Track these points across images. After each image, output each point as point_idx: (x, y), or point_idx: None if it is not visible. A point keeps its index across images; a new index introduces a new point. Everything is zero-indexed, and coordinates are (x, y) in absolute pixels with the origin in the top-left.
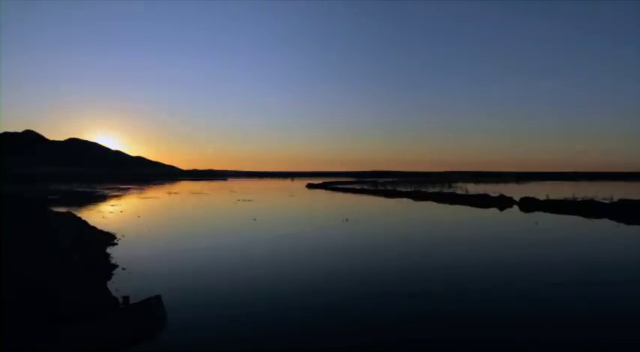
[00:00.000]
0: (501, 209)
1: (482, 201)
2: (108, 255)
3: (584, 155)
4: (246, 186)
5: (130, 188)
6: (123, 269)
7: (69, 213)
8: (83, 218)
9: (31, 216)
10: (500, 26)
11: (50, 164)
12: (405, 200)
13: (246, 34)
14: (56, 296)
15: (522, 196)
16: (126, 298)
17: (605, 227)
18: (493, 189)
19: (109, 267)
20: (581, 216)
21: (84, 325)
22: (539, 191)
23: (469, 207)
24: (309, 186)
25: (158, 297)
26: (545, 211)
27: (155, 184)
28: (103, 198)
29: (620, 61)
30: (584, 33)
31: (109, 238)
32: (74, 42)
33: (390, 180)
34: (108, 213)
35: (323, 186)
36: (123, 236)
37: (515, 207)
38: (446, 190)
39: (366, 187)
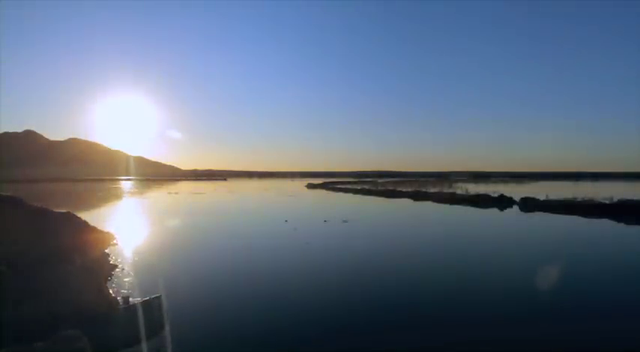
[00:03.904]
0: (501, 209)
1: (482, 201)
2: (108, 255)
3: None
4: (246, 186)
5: (129, 188)
6: (123, 269)
7: (69, 213)
8: (83, 218)
9: (32, 217)
10: (498, 26)
11: (50, 164)
12: (405, 200)
13: (244, 34)
14: (56, 297)
15: (522, 196)
16: (126, 298)
17: (605, 227)
18: (493, 189)
19: (108, 267)
20: (581, 216)
21: (84, 325)
22: (540, 191)
23: (469, 207)
24: (310, 186)
25: (158, 298)
26: (545, 211)
27: (155, 184)
28: (103, 198)
29: (620, 60)
30: (584, 32)
31: (108, 238)
32: (74, 42)
33: (390, 180)
34: (108, 213)
35: (323, 186)
36: (123, 236)
37: (516, 207)
38: (446, 190)
39: (366, 187)
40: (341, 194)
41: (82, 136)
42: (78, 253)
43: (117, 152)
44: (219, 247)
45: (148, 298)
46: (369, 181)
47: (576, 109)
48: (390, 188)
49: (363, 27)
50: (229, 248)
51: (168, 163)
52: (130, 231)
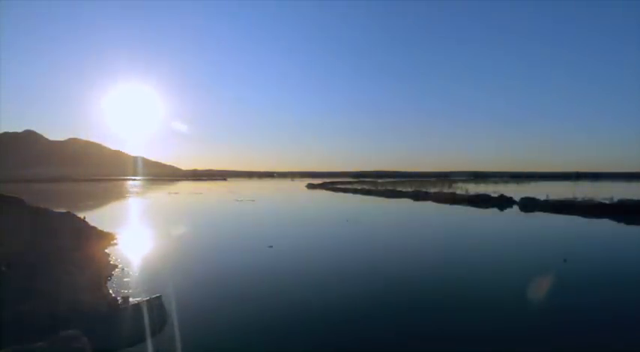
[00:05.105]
0: (501, 209)
1: (482, 201)
2: (108, 255)
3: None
4: (246, 186)
5: (130, 188)
6: (122, 269)
7: (69, 213)
8: (83, 218)
9: (32, 217)
10: (497, 26)
11: (50, 164)
12: (405, 200)
13: (243, 33)
14: (56, 297)
15: (522, 196)
16: (126, 298)
17: (605, 227)
18: (493, 189)
19: (108, 267)
20: (581, 215)
21: (84, 325)
22: (540, 191)
23: (469, 207)
24: (310, 186)
25: (158, 298)
26: (545, 211)
27: (155, 184)
28: (103, 198)
29: (619, 60)
30: (584, 31)
31: (109, 238)
32: (74, 41)
33: (390, 180)
34: (108, 214)
35: (323, 186)
36: (122, 236)
37: (516, 207)
38: (446, 190)
39: (366, 187)
40: (341, 194)
41: (82, 136)
42: (78, 253)
43: (117, 152)
44: (219, 247)
45: (147, 298)
46: (369, 181)
47: (576, 109)
48: (390, 188)
49: (363, 27)
50: (230, 248)
51: (169, 163)
52: (130, 231)
